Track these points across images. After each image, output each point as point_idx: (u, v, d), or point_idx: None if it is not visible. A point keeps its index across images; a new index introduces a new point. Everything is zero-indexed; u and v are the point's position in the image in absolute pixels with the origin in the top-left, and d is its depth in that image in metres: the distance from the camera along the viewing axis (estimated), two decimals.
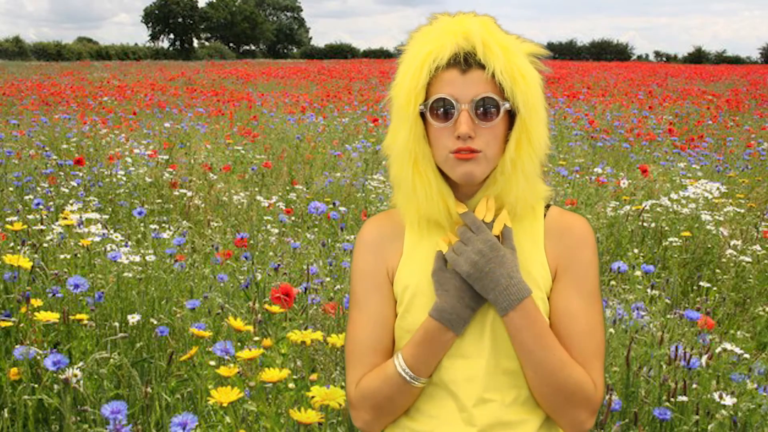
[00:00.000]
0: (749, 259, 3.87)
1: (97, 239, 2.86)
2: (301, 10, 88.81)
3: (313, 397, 1.49)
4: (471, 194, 1.19)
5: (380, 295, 1.23)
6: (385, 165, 1.27)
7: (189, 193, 5.34)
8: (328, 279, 3.02)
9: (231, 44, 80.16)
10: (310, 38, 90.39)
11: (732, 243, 4.19)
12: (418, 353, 1.15)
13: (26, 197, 4.53)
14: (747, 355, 2.15)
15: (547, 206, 1.25)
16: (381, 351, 1.22)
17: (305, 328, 2.03)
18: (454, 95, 1.11)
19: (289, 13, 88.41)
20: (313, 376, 1.77)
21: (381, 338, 1.22)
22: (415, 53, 1.15)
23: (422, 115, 1.15)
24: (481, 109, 1.11)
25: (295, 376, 1.78)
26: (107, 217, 4.52)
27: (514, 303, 1.10)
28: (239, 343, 2.07)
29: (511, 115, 1.15)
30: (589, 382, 1.14)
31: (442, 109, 1.12)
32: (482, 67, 1.12)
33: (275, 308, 2.06)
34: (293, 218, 4.72)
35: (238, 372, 1.61)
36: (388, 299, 1.23)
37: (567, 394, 1.13)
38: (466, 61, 1.12)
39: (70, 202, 4.28)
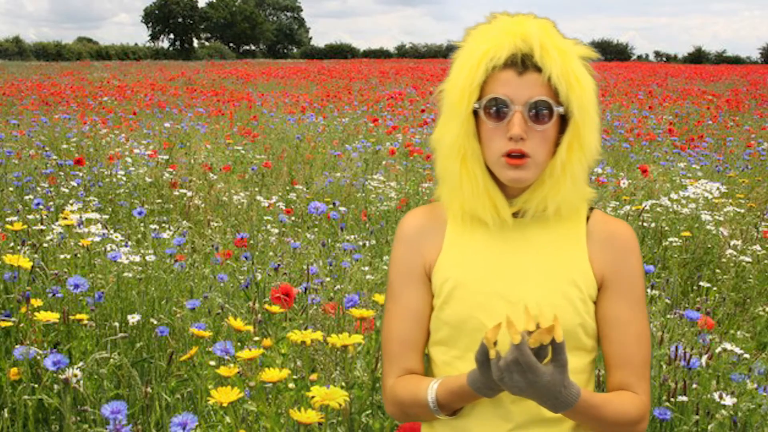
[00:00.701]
0: (749, 259, 3.87)
1: (97, 239, 2.86)
2: (301, 10, 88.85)
3: (313, 397, 1.49)
4: (517, 194, 1.19)
5: (416, 288, 1.24)
6: (432, 158, 1.27)
7: (189, 193, 5.34)
8: (328, 279, 3.02)
9: (231, 44, 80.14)
10: (310, 38, 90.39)
11: (732, 243, 4.19)
12: (451, 400, 1.16)
13: (26, 197, 4.53)
14: (747, 355, 2.15)
15: (590, 209, 1.25)
16: (415, 346, 1.24)
17: (305, 328, 2.03)
18: (509, 96, 1.11)
19: (289, 13, 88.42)
20: (313, 376, 1.77)
21: (415, 332, 1.23)
22: (471, 51, 1.15)
23: (475, 113, 1.15)
24: (535, 111, 1.12)
25: (295, 376, 1.78)
26: (107, 217, 4.52)
27: (561, 411, 1.08)
28: (239, 343, 2.07)
29: (563, 119, 1.15)
30: (639, 405, 1.17)
31: (495, 109, 1.12)
32: (538, 69, 1.12)
33: (275, 308, 2.06)
34: (293, 218, 4.72)
35: (238, 372, 1.61)
36: (424, 293, 1.24)
37: (626, 427, 1.17)
38: (523, 63, 1.12)
39: (70, 202, 4.28)
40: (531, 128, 1.12)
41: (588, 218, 1.23)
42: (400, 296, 1.25)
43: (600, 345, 1.22)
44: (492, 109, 1.13)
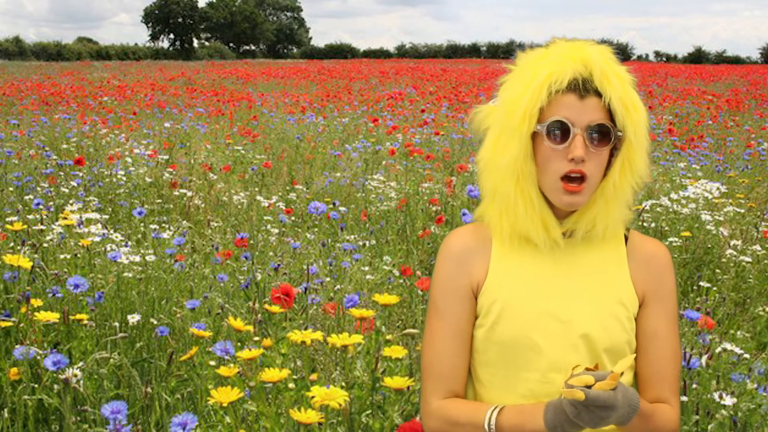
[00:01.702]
0: (749, 259, 3.87)
1: (97, 239, 2.86)
2: (301, 10, 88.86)
3: (313, 397, 1.49)
4: (567, 214, 1.22)
5: (461, 306, 1.25)
6: (476, 177, 1.30)
7: (189, 193, 5.34)
8: (328, 279, 3.02)
9: (231, 44, 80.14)
10: (310, 38, 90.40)
11: (732, 243, 4.19)
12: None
13: (26, 197, 4.53)
14: (747, 355, 2.15)
15: (627, 229, 1.29)
16: (462, 366, 1.26)
17: (305, 328, 2.03)
18: (571, 119, 1.15)
19: (289, 13, 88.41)
20: (313, 376, 1.77)
21: (462, 352, 1.25)
22: (533, 74, 1.18)
23: (532, 134, 1.18)
24: (595, 134, 1.15)
25: (295, 376, 1.78)
26: (107, 217, 4.52)
27: (631, 419, 1.10)
28: (239, 343, 2.07)
29: (614, 142, 1.18)
30: (676, 419, 1.21)
31: (558, 132, 1.15)
32: (598, 94, 1.16)
33: (275, 308, 2.06)
34: (293, 218, 4.72)
35: (238, 372, 1.61)
36: (469, 312, 1.25)
37: None
38: (584, 87, 1.15)
39: (70, 202, 4.28)
40: (590, 151, 1.15)
41: (626, 238, 1.27)
42: (447, 315, 1.26)
43: (636, 360, 1.24)
44: (554, 132, 1.16)
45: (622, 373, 1.05)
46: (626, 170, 1.19)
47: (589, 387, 1.02)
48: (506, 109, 1.19)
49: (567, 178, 1.16)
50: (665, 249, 1.28)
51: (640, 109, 1.18)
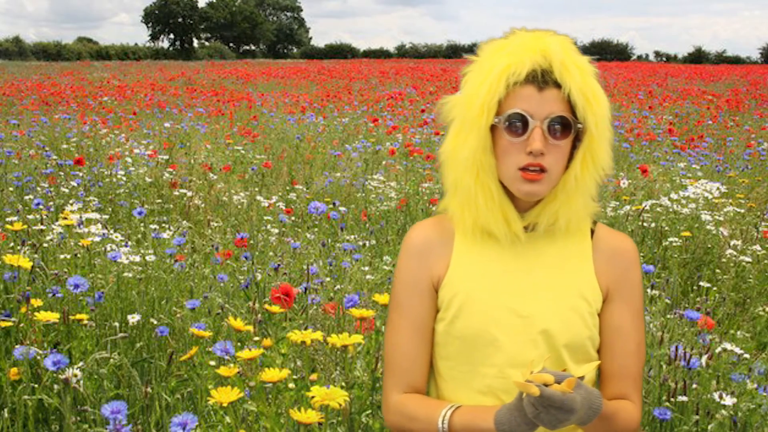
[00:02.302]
0: (749, 259, 3.87)
1: (97, 239, 2.86)
2: (301, 10, 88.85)
3: (313, 397, 1.49)
4: (528, 208, 1.21)
5: (422, 301, 1.24)
6: (438, 169, 1.28)
7: (189, 193, 5.34)
8: (328, 279, 3.02)
9: (231, 44, 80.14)
10: (310, 38, 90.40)
11: (732, 243, 4.19)
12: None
13: (26, 197, 4.53)
14: (747, 355, 2.15)
15: (594, 222, 1.27)
16: (422, 361, 1.24)
17: (305, 328, 2.03)
18: (529, 111, 1.13)
19: (289, 13, 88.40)
20: (313, 376, 1.77)
21: (422, 346, 1.24)
22: (491, 66, 1.16)
23: (491, 127, 1.16)
24: (555, 127, 1.13)
25: (295, 376, 1.78)
26: (107, 217, 4.52)
27: (592, 420, 1.09)
28: (239, 343, 2.07)
29: (576, 134, 1.17)
30: (638, 415, 1.20)
31: (516, 124, 1.13)
32: (558, 85, 1.13)
33: (275, 308, 2.06)
34: (293, 218, 4.72)
35: (238, 372, 1.61)
36: (429, 306, 1.24)
37: None
38: (543, 79, 1.13)
39: (70, 202, 4.28)
40: (549, 143, 1.13)
41: (592, 232, 1.25)
42: (407, 309, 1.25)
43: (600, 356, 1.23)
44: (512, 124, 1.14)
45: (582, 378, 1.04)
46: (588, 163, 1.17)
47: (546, 386, 1.00)
48: (465, 102, 1.18)
49: (526, 169, 1.14)
50: (631, 243, 1.26)
51: (602, 101, 1.16)
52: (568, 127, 1.14)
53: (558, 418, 1.00)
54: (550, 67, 1.13)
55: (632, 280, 1.23)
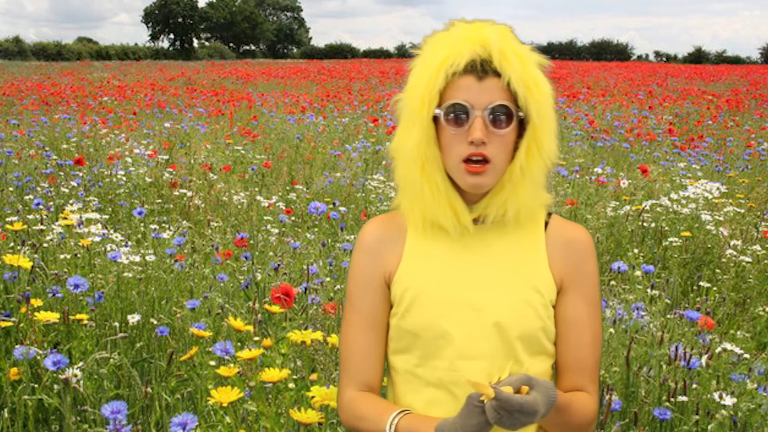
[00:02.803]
0: (749, 259, 3.87)
1: (97, 239, 2.86)
2: (301, 10, 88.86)
3: (313, 397, 1.49)
4: (477, 200, 1.20)
5: (375, 297, 1.24)
6: (390, 166, 1.27)
7: (189, 193, 5.34)
8: (328, 279, 3.02)
9: (231, 44, 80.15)
10: (310, 38, 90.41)
11: (732, 243, 4.19)
12: None
13: (26, 197, 4.53)
14: (747, 355, 2.15)
15: (549, 214, 1.26)
16: (375, 357, 1.24)
17: (305, 328, 2.03)
18: (469, 101, 1.12)
19: (289, 13, 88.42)
20: (313, 376, 1.77)
21: (375, 342, 1.24)
22: (431, 58, 1.15)
23: (434, 119, 1.15)
24: (495, 116, 1.12)
25: (295, 376, 1.78)
26: (107, 217, 4.52)
27: (549, 412, 1.08)
28: (239, 343, 2.07)
29: (521, 124, 1.16)
30: (594, 407, 1.19)
31: (456, 115, 1.13)
32: (498, 75, 1.13)
33: (275, 308, 2.06)
34: (293, 218, 4.72)
35: (238, 372, 1.61)
36: (381, 303, 1.24)
37: (586, 427, 1.19)
38: (482, 68, 1.13)
39: (70, 202, 4.28)
40: (491, 133, 1.12)
41: (547, 223, 1.24)
42: (359, 306, 1.25)
43: (555, 347, 1.22)
44: (453, 115, 1.13)
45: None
46: (533, 152, 1.16)
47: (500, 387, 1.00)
48: (408, 96, 1.18)
49: (469, 160, 1.13)
50: (586, 234, 1.25)
51: (544, 89, 1.15)
52: (509, 116, 1.13)
53: (521, 422, 0.99)
54: (489, 57, 1.13)
55: (587, 271, 1.22)
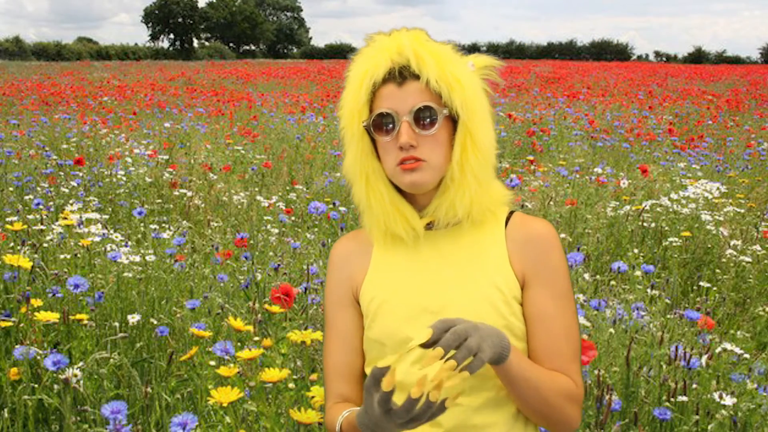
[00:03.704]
0: (749, 259, 3.87)
1: (97, 239, 2.86)
2: (301, 10, 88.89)
3: (313, 397, 1.49)
4: (426, 203, 1.22)
5: (346, 314, 1.26)
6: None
7: (189, 193, 5.35)
8: None
9: (231, 44, 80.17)
10: (310, 38, 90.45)
11: (732, 243, 4.19)
12: None
13: (26, 197, 4.53)
14: (747, 355, 2.15)
15: (511, 212, 1.26)
16: (348, 371, 1.25)
17: (305, 328, 2.03)
18: (393, 108, 1.15)
19: (289, 13, 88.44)
20: (313, 376, 1.77)
21: (348, 357, 1.25)
22: (354, 74, 1.19)
23: (369, 132, 1.18)
24: (420, 118, 1.14)
25: (295, 376, 1.78)
26: (107, 217, 4.52)
27: (505, 356, 1.04)
28: (239, 343, 2.07)
29: (455, 122, 1.18)
30: (572, 386, 1.16)
31: (384, 124, 1.16)
32: (417, 77, 1.15)
33: (275, 308, 2.06)
34: (293, 218, 4.72)
35: (238, 372, 1.61)
36: (355, 317, 1.26)
37: (558, 408, 1.14)
38: (401, 74, 1.15)
39: (70, 202, 4.28)
40: (420, 135, 1.15)
41: (508, 220, 1.25)
42: (332, 321, 1.27)
43: (528, 345, 1.20)
44: (381, 125, 1.16)
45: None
46: (468, 146, 1.16)
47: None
48: (340, 115, 1.22)
49: (402, 162, 1.15)
50: (547, 226, 1.23)
51: (466, 83, 1.16)
52: (434, 116, 1.14)
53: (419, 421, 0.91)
54: (407, 62, 1.15)
55: (551, 263, 1.20)
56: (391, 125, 1.15)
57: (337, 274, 1.29)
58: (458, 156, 1.16)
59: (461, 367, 0.92)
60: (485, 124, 1.18)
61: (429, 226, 1.23)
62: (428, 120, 1.14)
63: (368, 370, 1.25)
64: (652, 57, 74.88)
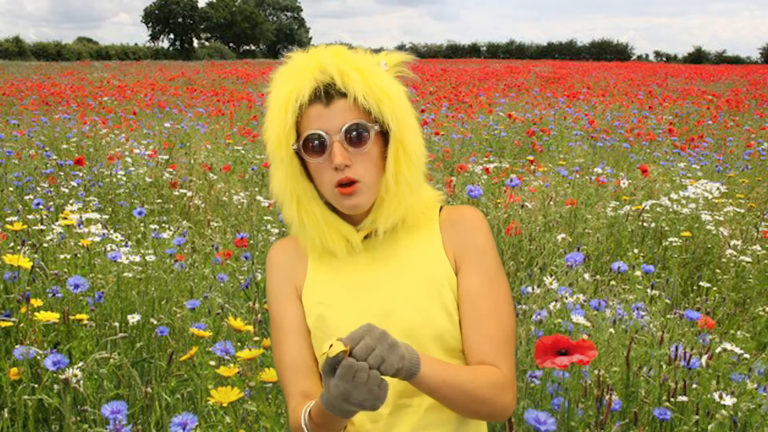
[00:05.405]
0: (749, 259, 3.87)
1: (97, 239, 2.86)
2: (301, 10, 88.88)
3: None
4: (362, 217, 1.21)
5: (291, 307, 1.24)
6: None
7: (189, 193, 5.35)
8: None
9: (231, 44, 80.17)
10: (310, 38, 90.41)
11: (732, 243, 4.19)
12: (318, 421, 1.09)
13: (26, 197, 4.53)
14: (747, 355, 2.15)
15: (441, 207, 1.27)
16: (305, 366, 1.21)
17: None
18: (322, 129, 1.13)
19: (289, 13, 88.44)
20: None
21: (303, 351, 1.22)
22: (277, 95, 1.16)
23: (298, 153, 1.16)
24: (352, 136, 1.13)
25: None
26: (107, 217, 4.52)
27: (414, 372, 1.02)
28: (239, 343, 2.07)
29: (383, 135, 1.17)
30: (497, 374, 1.13)
31: (314, 145, 1.14)
32: (344, 95, 1.13)
33: None
34: None
35: (238, 372, 1.62)
36: (301, 310, 1.24)
37: (489, 400, 1.12)
38: (327, 94, 1.13)
39: (70, 202, 4.28)
40: (353, 153, 1.13)
41: (440, 216, 1.26)
42: (280, 320, 1.24)
43: (461, 328, 1.18)
44: (311, 147, 1.14)
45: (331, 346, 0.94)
46: (401, 158, 1.16)
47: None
48: (265, 136, 1.19)
49: (340, 185, 1.14)
50: (474, 211, 1.24)
51: (393, 95, 1.14)
52: (365, 132, 1.13)
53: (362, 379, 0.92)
54: (331, 80, 1.13)
55: (477, 244, 1.20)
56: (322, 146, 1.13)
57: (279, 272, 1.27)
58: (392, 168, 1.16)
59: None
60: (414, 132, 1.18)
61: (367, 237, 1.22)
62: (359, 138, 1.13)
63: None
64: (652, 57, 74.92)
